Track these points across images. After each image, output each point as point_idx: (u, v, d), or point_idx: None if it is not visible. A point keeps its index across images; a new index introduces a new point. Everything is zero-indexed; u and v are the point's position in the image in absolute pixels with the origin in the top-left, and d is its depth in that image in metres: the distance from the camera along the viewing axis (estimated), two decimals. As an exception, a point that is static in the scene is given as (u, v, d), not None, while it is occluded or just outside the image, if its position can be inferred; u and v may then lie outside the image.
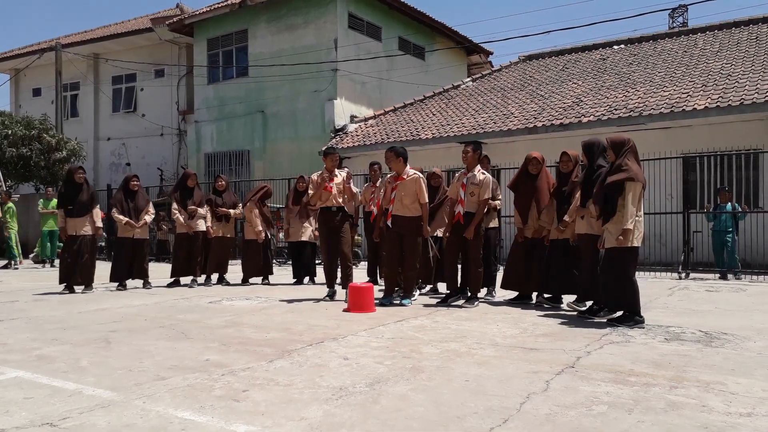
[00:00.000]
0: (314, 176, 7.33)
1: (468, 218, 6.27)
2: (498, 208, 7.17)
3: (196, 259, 8.77)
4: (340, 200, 7.13)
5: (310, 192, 7.30)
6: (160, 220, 15.42)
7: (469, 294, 6.49)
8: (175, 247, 9.02)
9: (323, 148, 9.10)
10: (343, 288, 7.09)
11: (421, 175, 6.56)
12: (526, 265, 6.53)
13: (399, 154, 6.54)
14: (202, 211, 8.82)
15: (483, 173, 6.39)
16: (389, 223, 6.61)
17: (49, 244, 14.56)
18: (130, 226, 8.39)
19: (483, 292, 6.98)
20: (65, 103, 22.17)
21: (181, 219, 8.72)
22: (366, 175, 10.62)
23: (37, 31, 77.86)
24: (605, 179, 5.19)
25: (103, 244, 17.08)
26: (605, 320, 5.35)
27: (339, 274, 7.29)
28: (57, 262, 13.27)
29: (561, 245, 6.13)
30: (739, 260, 10.16)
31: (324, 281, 7.43)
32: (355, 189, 7.61)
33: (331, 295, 7.11)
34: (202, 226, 8.82)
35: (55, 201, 13.08)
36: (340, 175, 7.20)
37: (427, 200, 6.50)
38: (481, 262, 6.36)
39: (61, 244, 14.18)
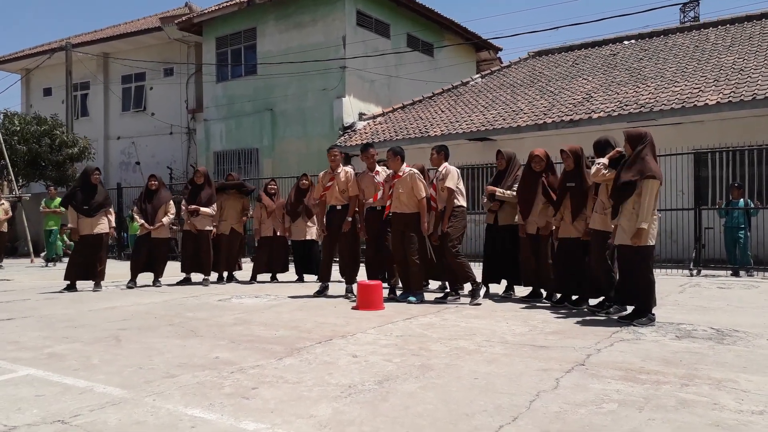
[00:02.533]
0: (320, 175, 7.41)
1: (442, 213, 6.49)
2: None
3: (203, 257, 8.70)
4: (345, 198, 7.16)
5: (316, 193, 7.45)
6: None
7: (468, 288, 6.54)
8: (182, 244, 9.04)
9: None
10: (348, 283, 7.15)
11: (416, 171, 6.61)
12: (535, 261, 6.52)
13: (396, 153, 6.67)
14: (207, 210, 8.69)
15: (446, 167, 6.60)
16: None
17: (60, 243, 14.68)
18: (144, 228, 8.46)
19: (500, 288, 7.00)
20: (75, 103, 22.28)
21: (182, 216, 8.77)
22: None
23: (47, 32, 78.48)
24: (620, 173, 5.13)
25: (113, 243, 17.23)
26: (616, 317, 5.32)
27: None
28: (63, 259, 13.39)
29: (573, 243, 6.05)
30: (752, 257, 10.05)
31: (335, 279, 7.50)
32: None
33: (323, 290, 7.22)
34: (206, 224, 8.73)
35: (58, 200, 13.12)
36: (344, 172, 7.21)
37: (424, 195, 6.49)
38: (455, 253, 6.39)
39: (60, 243, 14.39)
